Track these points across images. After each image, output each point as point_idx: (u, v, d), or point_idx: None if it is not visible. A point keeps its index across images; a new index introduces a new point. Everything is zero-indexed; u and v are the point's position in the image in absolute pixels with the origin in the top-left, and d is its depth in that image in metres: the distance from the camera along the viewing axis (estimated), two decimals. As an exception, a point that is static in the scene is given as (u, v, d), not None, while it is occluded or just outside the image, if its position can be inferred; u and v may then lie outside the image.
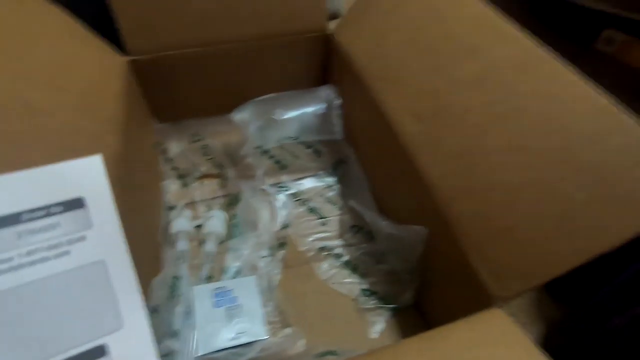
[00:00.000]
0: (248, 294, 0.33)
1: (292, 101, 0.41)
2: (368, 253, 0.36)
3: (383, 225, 0.33)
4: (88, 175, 0.22)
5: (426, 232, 0.29)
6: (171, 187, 0.41)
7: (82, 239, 0.21)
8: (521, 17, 0.81)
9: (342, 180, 0.43)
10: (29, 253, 0.20)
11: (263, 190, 0.41)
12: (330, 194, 0.43)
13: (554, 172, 0.21)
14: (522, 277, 0.22)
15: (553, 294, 0.37)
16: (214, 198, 0.41)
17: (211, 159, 0.43)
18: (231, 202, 0.41)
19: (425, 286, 0.32)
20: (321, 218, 0.40)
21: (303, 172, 0.44)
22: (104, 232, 0.22)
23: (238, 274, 0.35)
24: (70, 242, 0.21)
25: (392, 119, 0.32)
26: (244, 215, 0.39)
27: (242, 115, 0.40)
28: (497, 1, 0.81)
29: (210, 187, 0.42)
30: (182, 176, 0.42)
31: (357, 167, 0.41)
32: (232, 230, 0.38)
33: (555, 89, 0.23)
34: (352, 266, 0.36)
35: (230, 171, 0.42)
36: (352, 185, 0.42)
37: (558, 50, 0.72)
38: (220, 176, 0.42)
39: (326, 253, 0.38)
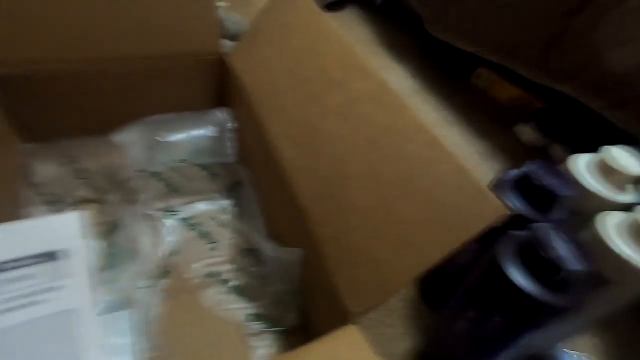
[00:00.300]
0: (118, 331, 0.31)
1: (182, 123, 0.40)
2: (257, 277, 0.36)
3: (265, 247, 0.33)
4: (66, 229, 0.25)
5: (301, 253, 0.30)
6: (37, 215, 0.37)
7: (53, 290, 0.23)
8: (417, 53, 0.91)
9: (237, 203, 0.43)
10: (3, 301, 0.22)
11: (148, 215, 0.39)
12: (224, 217, 0.42)
13: (397, 196, 0.24)
14: (372, 293, 0.23)
15: (429, 302, 0.41)
16: (91, 226, 0.38)
17: (88, 183, 0.39)
18: (111, 229, 0.38)
19: (308, 307, 0.33)
20: (212, 243, 0.39)
21: (196, 195, 0.43)
22: (76, 285, 0.24)
23: (110, 309, 0.32)
24: (43, 292, 0.23)
25: (274, 145, 0.33)
26: (124, 243, 0.36)
27: (125, 137, 0.38)
28: (396, 39, 0.89)
29: (87, 214, 0.38)
30: (52, 202, 0.38)
31: (251, 190, 0.42)
32: (109, 261, 0.35)
33: (401, 122, 0.26)
34: (240, 291, 0.36)
35: (111, 196, 0.39)
36: (246, 208, 0.41)
37: (443, 83, 0.81)
38: (100, 202, 0.39)
39: (214, 279, 0.36)
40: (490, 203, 0.21)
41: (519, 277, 0.23)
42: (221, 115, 0.41)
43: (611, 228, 0.28)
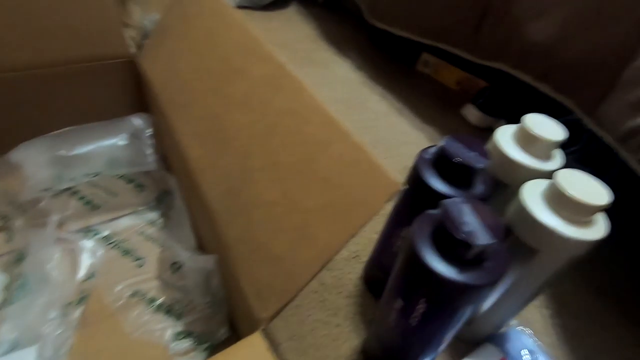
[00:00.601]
0: (19, 371, 0.27)
1: (90, 134, 0.37)
2: (185, 290, 0.34)
3: (184, 258, 0.31)
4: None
5: (215, 260, 0.27)
6: None
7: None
8: (363, 44, 0.89)
9: (165, 213, 0.40)
10: None
11: (62, 238, 0.35)
12: (151, 230, 0.39)
13: (296, 184, 0.22)
14: (277, 294, 0.21)
15: (375, 295, 0.39)
16: (-6, 257, 0.34)
17: (-13, 209, 0.35)
18: (17, 259, 0.34)
19: (236, 318, 0.30)
20: (138, 260, 0.36)
21: (120, 210, 0.40)
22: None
23: (13, 347, 0.29)
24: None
25: (182, 144, 0.31)
26: (33, 272, 0.33)
27: (22, 154, 0.34)
28: (340, 33, 0.87)
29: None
30: (-55, 236, 0.34)
31: (180, 197, 0.39)
32: (13, 295, 0.32)
33: (298, 104, 0.24)
34: (166, 308, 0.33)
35: (16, 222, 0.35)
36: (175, 217, 0.39)
37: (390, 71, 0.80)
38: (3, 229, 0.35)
39: (139, 299, 0.33)
40: (384, 179, 0.19)
41: (430, 258, 0.21)
42: (136, 121, 0.38)
43: (534, 196, 0.27)
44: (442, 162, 0.28)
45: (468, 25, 0.52)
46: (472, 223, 0.21)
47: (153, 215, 0.40)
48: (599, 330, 0.42)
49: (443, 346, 0.28)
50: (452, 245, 0.21)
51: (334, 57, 0.83)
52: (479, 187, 0.28)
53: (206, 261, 0.28)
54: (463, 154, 0.27)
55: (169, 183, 0.41)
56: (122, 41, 0.38)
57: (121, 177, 0.41)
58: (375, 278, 0.39)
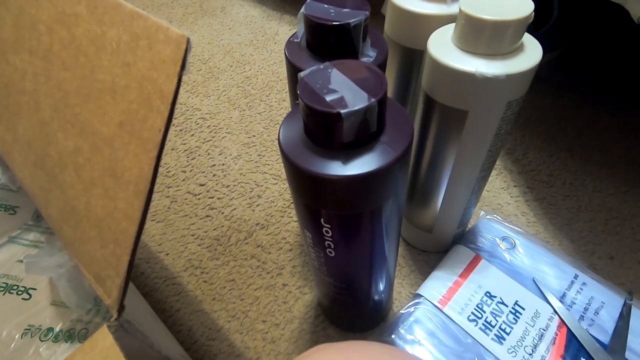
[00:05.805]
0: None
1: None
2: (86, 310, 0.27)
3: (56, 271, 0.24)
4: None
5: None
6: None
7: None
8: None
9: (49, 229, 0.33)
10: None
11: None
12: (35, 252, 0.31)
13: (88, 110, 0.15)
14: (113, 267, 0.15)
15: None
16: None
17: None
18: None
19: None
20: (23, 292, 0.29)
21: (-9, 243, 0.32)
22: None
23: None
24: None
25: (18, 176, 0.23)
26: None
27: None
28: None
29: None
30: None
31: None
32: None
33: (65, 6, 0.17)
34: (67, 334, 0.26)
35: None
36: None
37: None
38: None
39: (32, 336, 0.27)
40: (169, 43, 0.12)
41: (303, 159, 0.15)
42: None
43: (443, 45, 0.21)
44: (313, 37, 0.21)
45: None
46: (342, 89, 0.14)
47: (33, 235, 0.32)
48: (577, 190, 0.38)
49: (392, 268, 0.23)
50: (322, 127, 0.15)
51: (230, 2, 0.73)
52: (370, 52, 0.21)
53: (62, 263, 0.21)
54: (330, 14, 0.20)
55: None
56: None
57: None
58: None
